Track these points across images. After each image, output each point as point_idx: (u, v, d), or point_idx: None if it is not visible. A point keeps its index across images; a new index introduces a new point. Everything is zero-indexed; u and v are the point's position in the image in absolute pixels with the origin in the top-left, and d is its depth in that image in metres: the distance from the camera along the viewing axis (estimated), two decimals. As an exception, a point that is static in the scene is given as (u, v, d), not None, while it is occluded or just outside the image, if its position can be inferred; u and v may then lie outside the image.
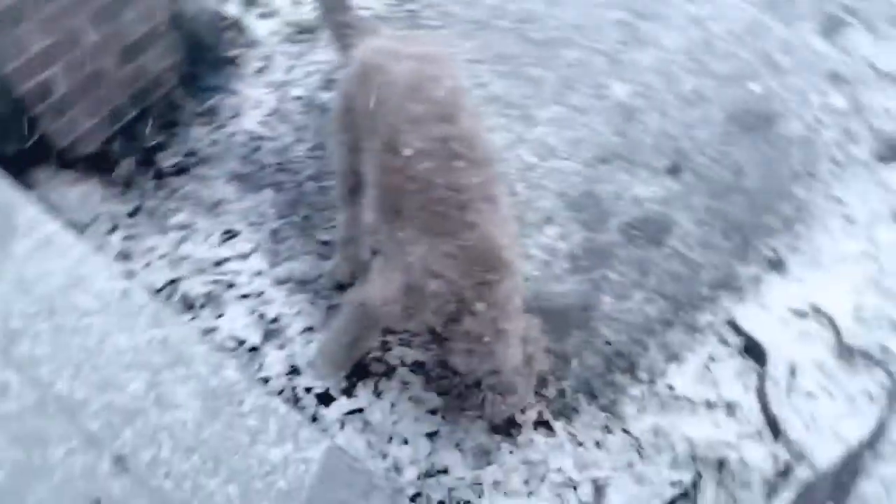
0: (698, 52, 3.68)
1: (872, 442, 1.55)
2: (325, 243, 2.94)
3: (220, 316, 2.75)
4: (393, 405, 2.54)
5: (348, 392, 2.56)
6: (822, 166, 3.29)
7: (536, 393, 2.57)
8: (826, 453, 2.39)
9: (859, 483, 1.45)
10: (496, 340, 2.13)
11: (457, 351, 2.18)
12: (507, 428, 2.51)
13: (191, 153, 3.21)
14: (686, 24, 3.78)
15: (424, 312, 2.16)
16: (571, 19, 3.77)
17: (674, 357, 2.74)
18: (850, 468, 1.61)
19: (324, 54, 3.53)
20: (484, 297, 2.08)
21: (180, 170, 3.16)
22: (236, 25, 3.56)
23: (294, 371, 2.61)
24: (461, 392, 2.27)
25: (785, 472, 2.42)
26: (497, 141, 3.28)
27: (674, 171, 3.25)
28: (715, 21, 3.80)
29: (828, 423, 2.53)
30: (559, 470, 2.45)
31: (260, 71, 3.47)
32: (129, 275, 2.81)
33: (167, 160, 3.18)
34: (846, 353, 2.71)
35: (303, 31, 3.63)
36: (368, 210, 2.33)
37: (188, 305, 2.79)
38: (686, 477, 2.43)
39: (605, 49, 3.66)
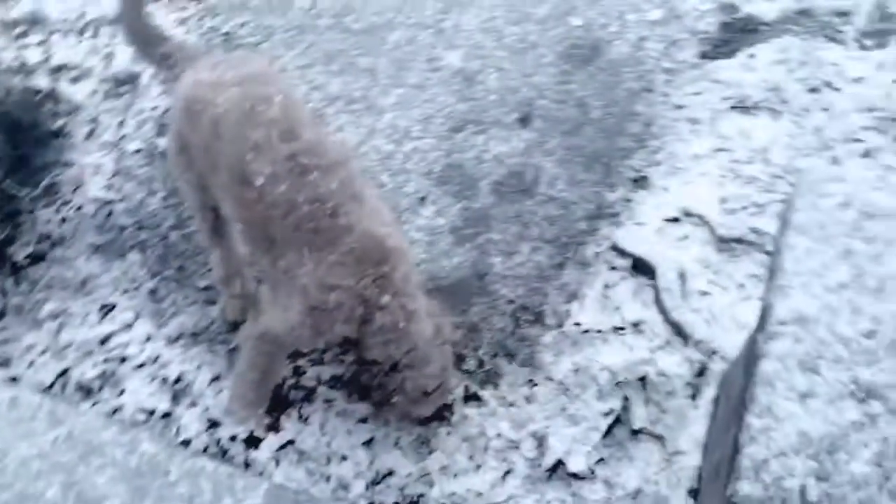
0: (515, 1, 3.75)
1: (762, 324, 1.65)
2: (207, 289, 2.86)
3: (121, 393, 2.65)
4: (322, 426, 2.51)
5: (274, 428, 2.51)
6: (656, 78, 3.43)
7: (458, 369, 2.61)
8: (732, 342, 2.54)
9: (761, 365, 1.54)
10: (409, 322, 2.16)
11: (375, 346, 2.18)
12: (440, 412, 2.53)
13: (43, 238, 3.06)
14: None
15: (334, 327, 2.15)
16: (386, 2, 3.77)
17: (573, 296, 2.82)
18: (751, 352, 1.71)
19: (150, 100, 3.41)
20: (386, 289, 2.10)
21: (36, 258, 3.01)
22: (51, 96, 3.39)
23: (213, 424, 2.55)
24: (381, 382, 2.26)
25: (701, 372, 2.55)
26: (349, 137, 3.27)
27: (524, 121, 3.32)
28: (522, -32, 3.89)
29: (726, 314, 2.67)
30: (498, 435, 2.49)
31: (90, 135, 3.32)
32: (14, 381, 2.67)
33: (20, 252, 3.01)
34: (724, 244, 2.86)
35: (121, 84, 3.49)
36: (240, 244, 2.29)
37: (86, 392, 2.67)
38: (615, 404, 2.52)
39: (427, 22, 3.69)
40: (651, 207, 3.00)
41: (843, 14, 3.56)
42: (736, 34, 3.56)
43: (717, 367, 2.55)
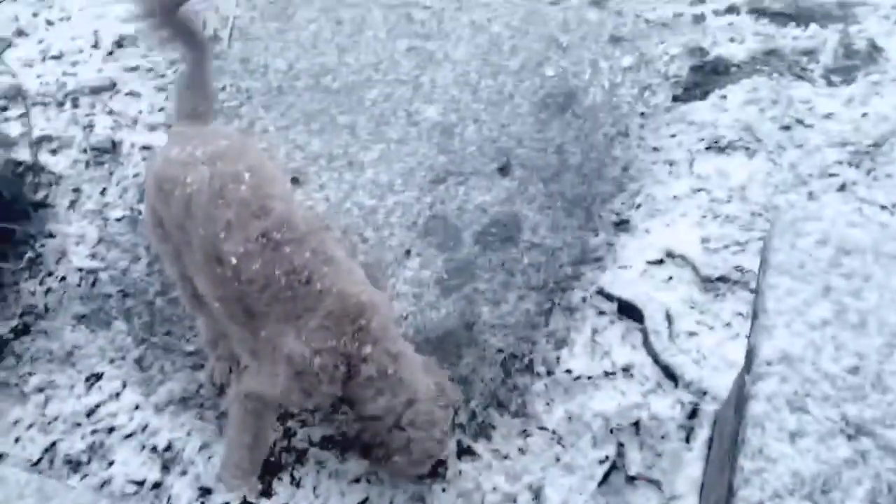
0: (488, 54, 3.83)
1: (748, 365, 1.65)
2: (194, 353, 2.84)
3: (110, 464, 2.61)
4: (315, 488, 2.48)
5: (267, 493, 2.48)
6: (632, 123, 3.49)
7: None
8: (723, 382, 2.54)
9: (749, 406, 1.54)
10: (398, 366, 2.16)
11: (368, 399, 2.17)
12: (434, 468, 2.50)
13: (27, 311, 3.03)
14: (469, 33, 3.93)
15: (321, 388, 2.14)
16: (364, 60, 3.83)
17: (562, 342, 2.82)
18: (740, 393, 1.71)
19: (131, 167, 3.43)
20: (365, 340, 2.11)
21: (21, 331, 2.98)
22: (32, 168, 3.40)
23: (205, 492, 2.51)
24: (384, 440, 2.24)
25: (694, 413, 2.54)
26: (332, 194, 3.29)
27: (504, 170, 3.36)
28: (493, 21, 3.97)
29: (715, 354, 2.69)
30: (494, 489, 2.46)
31: (72, 205, 3.33)
32: (1, 458, 2.62)
33: (3, 326, 2.98)
34: (708, 284, 2.88)
35: (103, 153, 3.50)
36: (220, 320, 2.29)
37: (74, 465, 2.63)
38: (610, 450, 2.51)
39: (404, 78, 3.75)
40: (634, 250, 3.02)
41: (809, 52, 3.66)
42: (707, 76, 3.64)
43: (708, 407, 2.55)
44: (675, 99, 3.57)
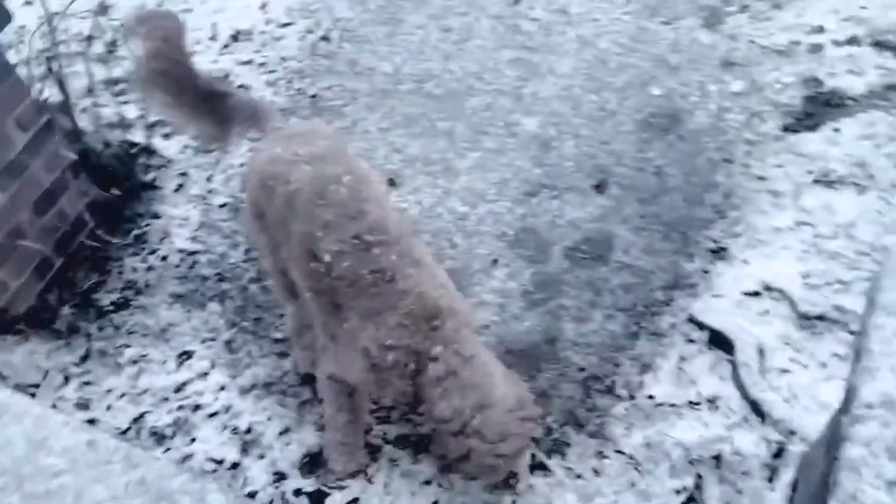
0: (594, 70, 3.79)
1: (847, 406, 1.58)
2: (281, 341, 2.92)
3: (192, 441, 2.70)
4: (386, 486, 2.50)
5: (339, 486, 2.51)
6: (737, 149, 3.40)
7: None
8: (813, 423, 2.43)
9: (845, 449, 1.47)
10: (470, 370, 2.16)
11: (436, 399, 2.17)
12: (506, 479, 2.49)
13: (128, 286, 3.17)
14: (576, 47, 3.90)
15: (393, 381, 2.19)
16: (468, 68, 3.86)
17: (647, 367, 2.76)
18: (834, 435, 1.63)
19: (237, 157, 3.55)
20: (436, 340, 2.14)
21: (121, 305, 3.12)
22: (145, 150, 3.56)
23: (280, 477, 2.56)
24: (455, 446, 2.20)
25: (779, 452, 2.45)
26: (425, 198, 3.32)
27: (600, 187, 3.32)
28: (600, 38, 3.94)
29: (807, 394, 2.58)
30: (565, 507, 2.43)
31: (179, 188, 3.47)
32: (92, 423, 2.74)
33: (106, 298, 3.13)
34: (806, 321, 2.77)
35: (212, 140, 3.64)
36: (309, 309, 2.36)
37: (159, 438, 2.73)
38: (688, 481, 2.44)
39: (506, 89, 3.75)
40: (730, 280, 2.93)
41: (933, 90, 3.48)
42: (820, 108, 3.51)
43: (796, 448, 2.45)
44: (785, 129, 3.45)
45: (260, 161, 2.40)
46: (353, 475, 2.55)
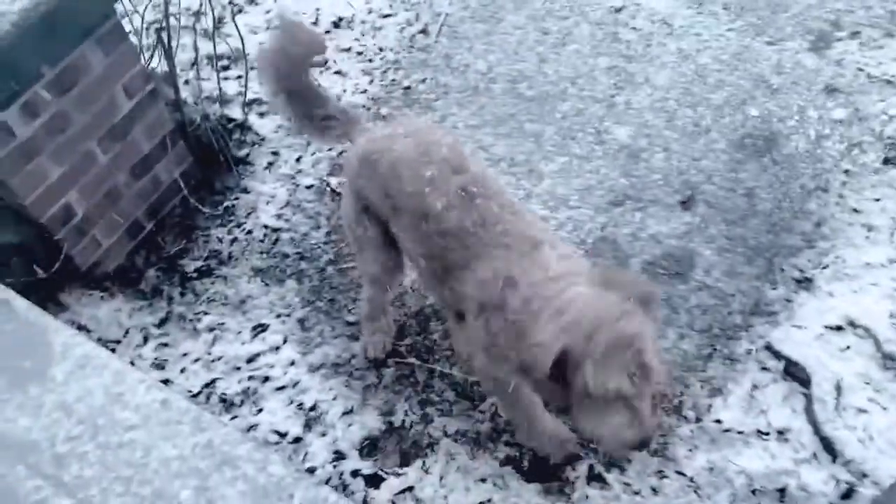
0: (691, 84, 3.73)
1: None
2: (353, 324, 2.97)
3: (259, 411, 2.77)
4: (442, 478, 2.52)
5: (396, 472, 2.54)
6: (834, 178, 3.29)
7: (583, 445, 2.55)
8: (887, 467, 2.35)
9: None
10: (568, 294, 2.01)
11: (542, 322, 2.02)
12: (561, 487, 2.48)
13: (212, 255, 3.28)
14: (675, 60, 3.84)
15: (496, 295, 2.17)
16: (562, 73, 3.84)
17: (717, 391, 2.70)
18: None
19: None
20: (531, 267, 2.13)
21: (204, 273, 3.22)
22: (241, 126, 3.66)
23: (339, 456, 2.61)
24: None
25: (849, 494, 2.36)
26: (508, 200, 3.32)
27: (687, 204, 3.26)
28: (701, 53, 3.86)
29: (884, 437, 2.48)
30: (619, 522, 2.40)
31: (269, 166, 3.56)
32: (167, 383, 2.84)
33: (190, 265, 3.24)
34: (890, 361, 2.66)
35: (305, 122, 3.72)
36: (426, 282, 2.51)
37: (227, 405, 2.82)
38: (749, 511, 2.38)
39: (599, 96, 3.72)
40: (813, 311, 2.84)
41: None
42: (926, 143, 3.37)
43: (867, 491, 2.36)
44: (887, 161, 3.32)
45: (362, 143, 2.48)
46: None
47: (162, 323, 3.07)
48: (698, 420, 2.63)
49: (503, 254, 2.17)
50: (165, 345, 3.01)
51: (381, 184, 2.36)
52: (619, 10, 4.12)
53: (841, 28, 3.93)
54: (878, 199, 3.19)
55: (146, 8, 3.49)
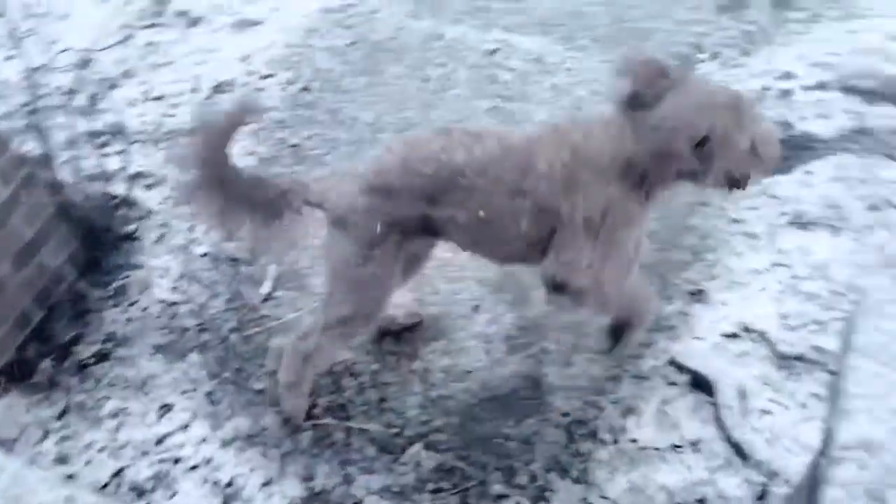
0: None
1: (825, 448, 1.59)
2: (263, 392, 2.90)
3: (173, 495, 2.67)
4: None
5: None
6: (712, 193, 3.45)
7: (508, 483, 2.56)
8: (795, 464, 2.45)
9: (823, 491, 1.48)
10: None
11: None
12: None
13: (108, 338, 3.16)
14: (551, 96, 3.98)
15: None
16: (446, 117, 3.91)
17: (629, 410, 2.77)
18: (814, 477, 1.65)
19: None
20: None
21: (101, 357, 3.10)
22: (126, 201, 3.57)
23: (262, 530, 2.53)
24: None
25: (763, 495, 2.45)
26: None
27: (579, 232, 3.35)
28: (575, 86, 4.02)
29: (788, 435, 2.59)
30: (550, 555, 2.41)
31: (160, 239, 3.47)
32: (71, 478, 2.70)
33: (85, 351, 3.11)
34: (785, 361, 2.80)
35: (193, 191, 3.65)
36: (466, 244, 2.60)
37: (139, 492, 2.70)
38: (673, 526, 2.43)
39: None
40: (709, 322, 2.96)
41: (901, 132, 3.57)
42: (792, 151, 3.57)
43: (779, 489, 2.45)
44: (759, 172, 3.52)
45: (391, 149, 2.48)
46: None
47: (62, 415, 2.92)
48: (615, 442, 2.68)
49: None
50: (67, 437, 2.87)
51: (414, 190, 2.37)
52: (493, 53, 4.25)
53: (703, 50, 4.17)
54: (755, 208, 3.37)
55: (15, 90, 3.39)
